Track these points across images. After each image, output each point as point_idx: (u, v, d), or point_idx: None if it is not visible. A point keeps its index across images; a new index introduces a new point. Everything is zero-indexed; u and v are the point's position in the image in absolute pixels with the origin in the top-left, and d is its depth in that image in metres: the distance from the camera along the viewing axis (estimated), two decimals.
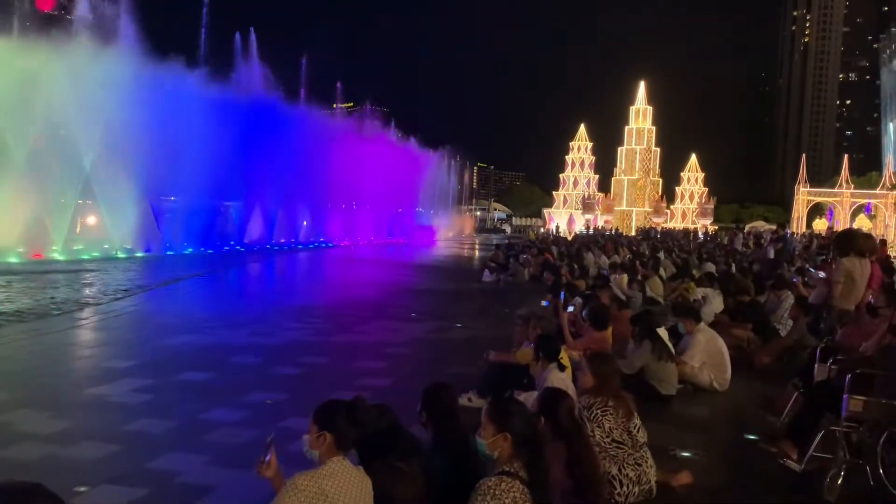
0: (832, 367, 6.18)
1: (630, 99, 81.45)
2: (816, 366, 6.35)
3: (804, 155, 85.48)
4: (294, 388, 8.54)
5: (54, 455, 5.98)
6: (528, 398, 5.97)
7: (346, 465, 3.72)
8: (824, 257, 28.25)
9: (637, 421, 5.07)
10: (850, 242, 9.02)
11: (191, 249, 33.70)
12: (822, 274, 12.76)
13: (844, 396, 5.50)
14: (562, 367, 6.70)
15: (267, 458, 3.84)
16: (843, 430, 5.52)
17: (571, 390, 6.55)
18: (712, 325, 11.01)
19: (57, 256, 26.90)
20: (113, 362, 9.64)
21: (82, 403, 7.65)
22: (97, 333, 12.65)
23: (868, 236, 10.00)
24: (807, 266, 21.34)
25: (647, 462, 4.98)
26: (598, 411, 4.95)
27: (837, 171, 79.76)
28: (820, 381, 6.25)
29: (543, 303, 11.34)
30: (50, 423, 6.82)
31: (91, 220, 34.85)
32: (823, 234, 47.92)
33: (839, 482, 5.37)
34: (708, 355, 9.00)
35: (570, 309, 9.77)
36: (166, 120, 30.50)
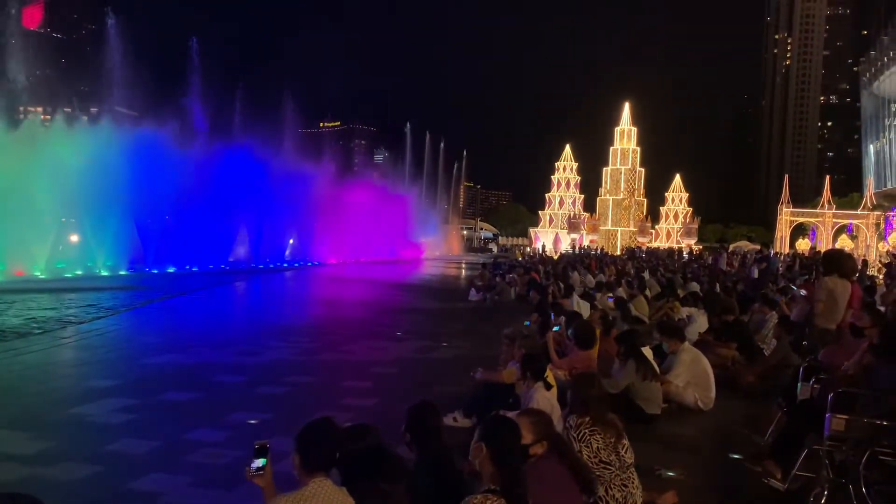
0: (815, 386, 6.22)
1: (615, 120, 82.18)
2: (800, 385, 6.39)
3: (787, 176, 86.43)
4: (279, 407, 8.48)
5: (34, 476, 5.90)
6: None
7: (328, 486, 3.67)
8: (807, 277, 28.54)
9: (625, 442, 5.06)
10: (837, 263, 9.11)
11: (173, 268, 33.49)
12: (803, 292, 12.89)
13: (827, 415, 5.53)
14: (548, 386, 6.70)
15: (259, 465, 3.71)
16: (826, 448, 5.55)
17: (556, 410, 6.55)
18: (697, 344, 11.04)
19: (39, 275, 26.65)
20: (95, 382, 9.55)
21: (63, 423, 7.55)
22: (79, 352, 12.51)
23: (850, 257, 10.10)
24: (790, 285, 21.48)
25: (633, 483, 4.97)
26: (586, 431, 4.94)
27: (819, 192, 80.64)
28: (803, 400, 6.29)
29: (526, 322, 11.34)
30: (30, 443, 6.73)
31: (74, 238, 34.61)
32: (807, 254, 48.33)
33: (822, 501, 5.38)
34: (692, 375, 9.02)
35: (556, 329, 9.77)
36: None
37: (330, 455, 3.73)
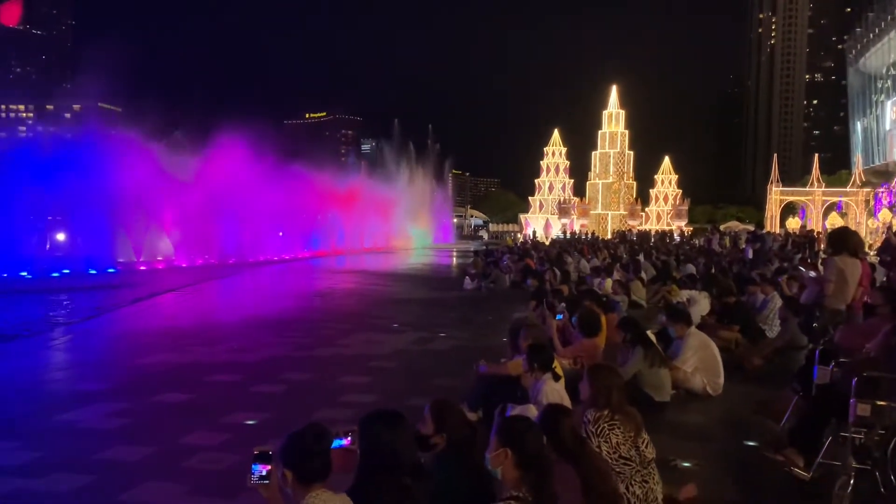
0: (834, 370, 6.00)
1: (603, 103, 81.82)
2: (817, 368, 6.16)
3: (775, 155, 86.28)
4: (276, 406, 8.22)
5: (23, 489, 5.62)
6: (524, 412, 5.71)
7: (329, 496, 3.41)
8: (800, 255, 28.46)
9: (645, 436, 4.83)
10: (844, 241, 8.89)
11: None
12: (812, 273, 12.72)
13: (851, 401, 5.32)
14: (556, 377, 6.46)
15: (263, 473, 3.39)
16: (850, 435, 5.33)
17: (566, 401, 6.32)
18: (698, 327, 10.86)
19: (25, 274, 26.20)
20: (85, 385, 9.24)
21: (54, 431, 7.25)
22: (69, 354, 12.21)
23: (856, 233, 9.87)
24: (787, 265, 21.35)
25: (653, 479, 4.74)
26: (605, 425, 4.70)
27: (807, 171, 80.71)
28: (822, 384, 6.06)
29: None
30: (18, 453, 6.43)
31: (61, 236, 34.16)
32: (798, 232, 48.33)
33: (849, 490, 5.17)
34: (700, 360, 8.82)
35: (560, 317, 9.53)
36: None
37: (326, 462, 3.46)
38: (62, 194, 30.80)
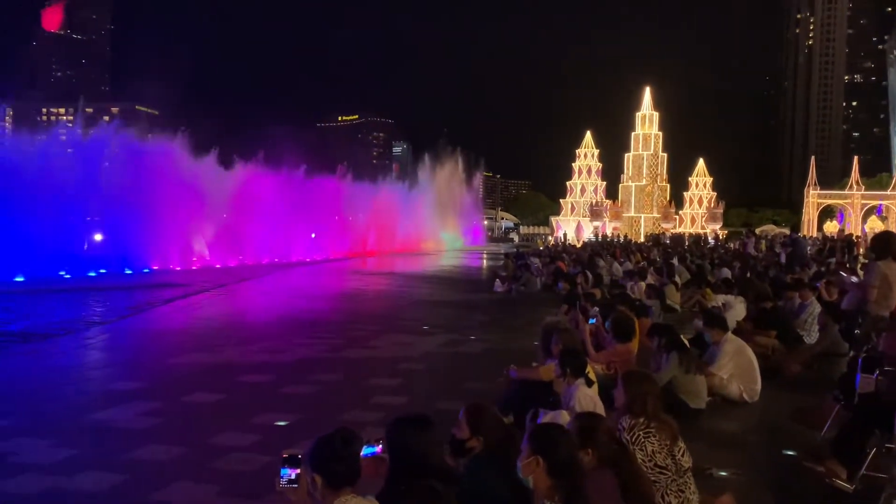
0: (879, 378, 5.80)
1: (636, 105, 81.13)
2: (860, 377, 5.96)
3: (813, 157, 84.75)
4: (306, 408, 8.21)
5: (56, 488, 5.66)
6: (555, 417, 5.62)
7: (358, 501, 3.36)
8: (832, 260, 27.77)
9: (681, 444, 4.70)
10: (888, 245, 8.61)
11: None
12: (853, 278, 12.39)
13: None
14: (589, 383, 6.34)
15: (292, 477, 3.37)
16: None
17: (599, 407, 6.20)
18: (734, 332, 10.63)
19: (64, 274, 26.70)
20: (119, 384, 9.33)
21: (86, 429, 7.32)
22: (104, 354, 12.35)
23: None
24: (825, 269, 20.85)
25: (689, 489, 4.61)
26: (640, 433, 4.59)
27: (846, 173, 79.19)
28: (865, 393, 5.87)
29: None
30: (51, 451, 6.49)
31: (98, 236, 34.77)
32: (835, 236, 47.34)
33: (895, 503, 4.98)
34: (737, 366, 8.62)
35: (592, 321, 9.38)
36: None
37: (354, 467, 3.42)
38: (100, 195, 31.35)
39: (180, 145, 36.76)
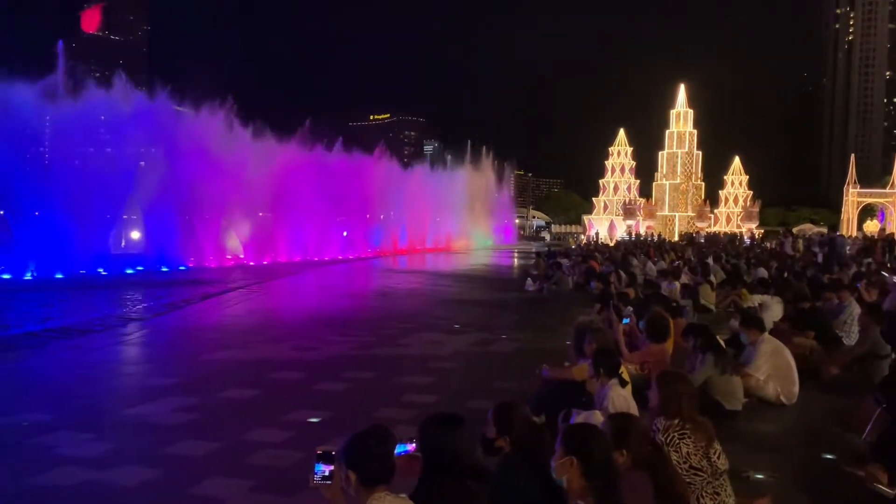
0: None
1: (670, 102, 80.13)
2: None
3: (853, 155, 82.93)
4: (339, 405, 8.26)
5: (94, 481, 5.78)
6: (588, 418, 5.58)
7: (391, 499, 3.37)
8: (869, 261, 27.14)
9: (717, 446, 4.63)
10: None
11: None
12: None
13: None
14: (623, 383, 6.28)
15: (326, 474, 3.39)
16: None
17: (633, 407, 6.14)
18: (771, 333, 10.44)
19: (102, 271, 27.23)
20: (155, 380, 9.50)
21: (124, 424, 7.46)
22: (141, 350, 12.57)
23: None
24: (868, 270, 20.43)
25: (725, 491, 4.54)
26: (675, 434, 4.53)
27: (886, 171, 77.31)
28: None
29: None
30: (91, 445, 6.63)
31: (135, 234, 35.40)
32: (876, 235, 46.29)
33: None
34: (774, 367, 8.48)
35: (626, 321, 9.29)
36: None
37: (389, 465, 3.42)
38: (137, 194, 31.88)
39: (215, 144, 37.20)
